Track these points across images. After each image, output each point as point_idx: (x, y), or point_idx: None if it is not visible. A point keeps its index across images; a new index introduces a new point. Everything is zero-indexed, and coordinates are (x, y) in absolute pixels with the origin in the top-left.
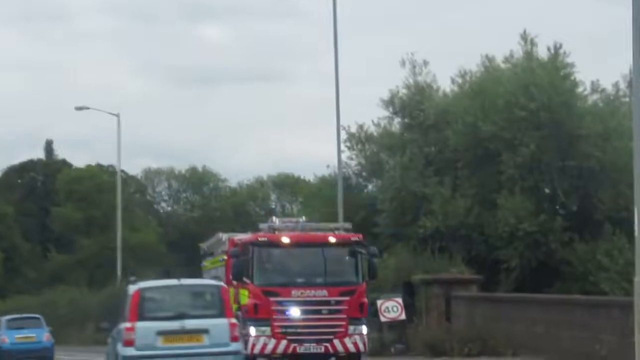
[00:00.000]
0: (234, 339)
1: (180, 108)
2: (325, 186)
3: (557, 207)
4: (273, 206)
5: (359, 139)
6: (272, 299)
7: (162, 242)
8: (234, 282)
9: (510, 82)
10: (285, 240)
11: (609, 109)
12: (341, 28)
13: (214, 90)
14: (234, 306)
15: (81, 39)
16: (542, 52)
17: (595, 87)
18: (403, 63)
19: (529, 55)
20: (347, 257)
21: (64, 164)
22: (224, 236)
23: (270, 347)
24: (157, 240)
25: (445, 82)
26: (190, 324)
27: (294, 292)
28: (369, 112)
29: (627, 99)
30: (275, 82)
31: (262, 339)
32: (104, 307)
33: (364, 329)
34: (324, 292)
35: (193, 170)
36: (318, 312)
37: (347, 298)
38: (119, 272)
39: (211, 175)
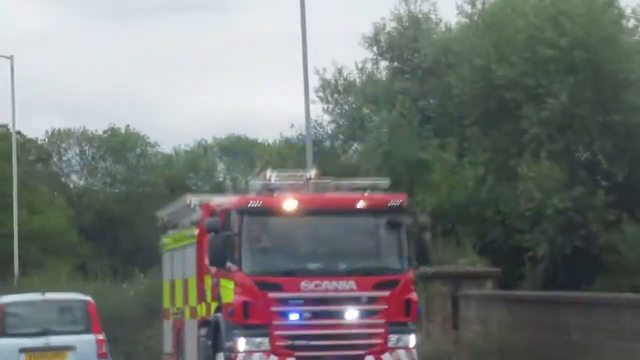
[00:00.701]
0: (102, 355)
1: (95, 50)
2: (291, 151)
3: (598, 176)
4: (221, 179)
5: (336, 88)
6: (271, 294)
7: (73, 227)
8: (212, 270)
9: (535, 11)
10: (291, 205)
11: None
12: None
13: (138, 25)
14: (213, 305)
15: None
16: None
17: None
18: None
19: None
20: (385, 231)
21: None
22: (193, 201)
23: None
24: (67, 224)
25: (448, 12)
26: (55, 340)
27: (304, 284)
28: (347, 54)
29: None
30: (220, 13)
31: (256, 356)
32: None
33: (412, 340)
34: (352, 283)
35: (113, 131)
36: (342, 314)
37: (386, 293)
38: (16, 268)
39: (137, 139)
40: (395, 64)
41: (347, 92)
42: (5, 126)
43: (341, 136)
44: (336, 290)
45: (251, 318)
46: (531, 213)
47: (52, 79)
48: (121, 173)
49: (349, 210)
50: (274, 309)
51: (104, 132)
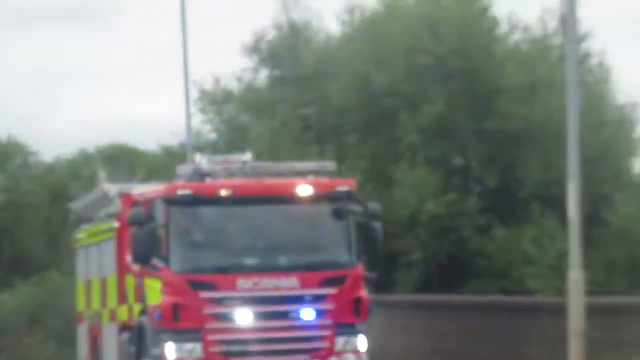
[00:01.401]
0: None
1: None
2: (172, 160)
3: (471, 182)
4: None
5: (214, 98)
6: (203, 294)
7: None
8: (135, 268)
9: (413, 19)
10: (225, 192)
11: (535, 54)
12: None
13: (18, 34)
14: (136, 307)
15: None
16: None
17: (513, 25)
18: None
19: None
20: (331, 221)
21: None
22: (111, 189)
23: None
24: None
25: (329, 20)
26: None
27: (240, 282)
28: (227, 62)
29: (558, 41)
30: (103, 22)
31: None
32: None
33: (362, 342)
34: (294, 280)
35: None
36: (284, 315)
37: (333, 290)
38: None
39: (18, 148)
40: (276, 72)
41: (225, 101)
42: None
43: (222, 145)
44: (277, 288)
45: (181, 321)
46: (406, 219)
47: None
48: (1, 182)
49: (290, 198)
50: (207, 310)
51: None
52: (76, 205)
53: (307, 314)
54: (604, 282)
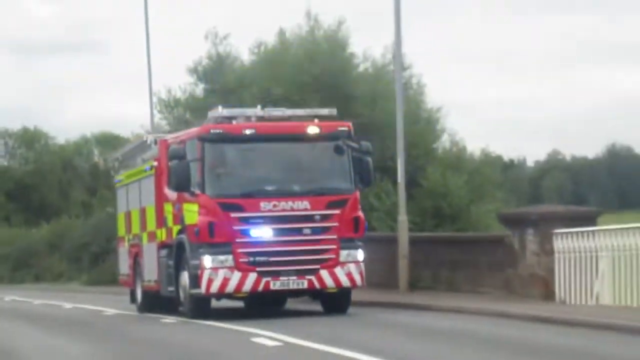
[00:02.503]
0: None
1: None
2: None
3: None
4: (96, 159)
5: (168, 103)
6: (233, 214)
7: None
8: (172, 195)
9: (299, 51)
10: (249, 131)
11: (376, 75)
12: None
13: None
14: (175, 228)
15: None
16: (327, 24)
17: (366, 56)
18: (206, 36)
19: (312, 30)
20: (334, 155)
21: None
22: (149, 137)
23: (233, 283)
24: None
25: (244, 52)
26: None
27: (263, 204)
28: (178, 80)
29: (391, 67)
30: (96, 53)
31: (221, 272)
32: None
33: (360, 254)
34: (306, 203)
35: (25, 130)
36: (298, 231)
37: (336, 211)
38: None
39: (42, 134)
40: (208, 85)
41: (176, 105)
42: None
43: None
44: (292, 209)
45: (216, 237)
46: None
47: None
48: (31, 156)
49: (302, 136)
50: (237, 228)
51: (18, 130)
52: (118, 153)
53: (317, 230)
54: (420, 222)
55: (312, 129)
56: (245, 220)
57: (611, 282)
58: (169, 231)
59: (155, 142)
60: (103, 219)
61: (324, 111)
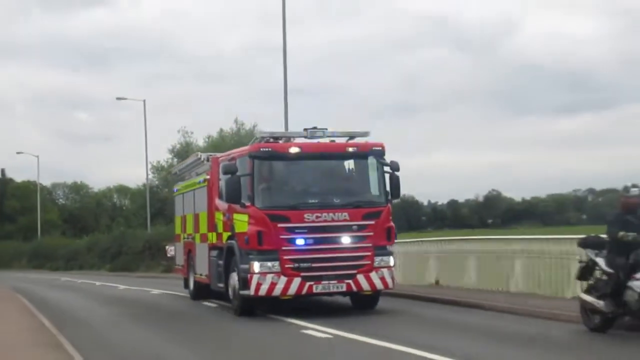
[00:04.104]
0: None
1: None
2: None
3: None
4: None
5: (157, 169)
6: (280, 225)
7: None
8: (222, 205)
9: (231, 141)
10: (294, 150)
11: None
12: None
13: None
14: (225, 234)
15: None
16: (247, 126)
17: None
18: (179, 131)
19: (239, 129)
20: (369, 171)
21: None
22: (203, 155)
23: (280, 287)
24: None
25: (200, 140)
26: None
27: (306, 215)
28: (162, 155)
29: None
30: (112, 143)
31: (269, 277)
32: None
33: (392, 260)
34: (345, 214)
35: (75, 182)
36: (338, 240)
37: (372, 222)
38: None
39: (84, 185)
40: (180, 159)
41: (162, 170)
42: None
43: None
44: (333, 220)
45: (264, 245)
46: None
47: None
48: (78, 199)
49: (342, 154)
50: (283, 237)
51: None
52: (175, 169)
53: (355, 239)
54: None
55: (352, 148)
56: (291, 230)
57: None
58: (219, 236)
59: (208, 159)
60: (118, 234)
61: (359, 132)
